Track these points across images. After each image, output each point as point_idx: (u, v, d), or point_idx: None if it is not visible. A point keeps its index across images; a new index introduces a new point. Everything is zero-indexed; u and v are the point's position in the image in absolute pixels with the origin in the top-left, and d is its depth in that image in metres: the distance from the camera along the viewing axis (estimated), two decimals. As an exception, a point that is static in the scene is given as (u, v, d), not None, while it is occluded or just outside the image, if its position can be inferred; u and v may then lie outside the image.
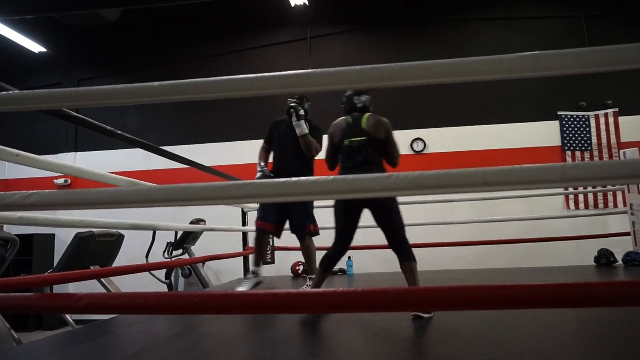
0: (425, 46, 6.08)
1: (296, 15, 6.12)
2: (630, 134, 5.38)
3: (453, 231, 4.97)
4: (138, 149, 2.85)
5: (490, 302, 0.93)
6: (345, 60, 5.96)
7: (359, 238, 4.85)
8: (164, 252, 5.12)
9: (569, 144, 5.56)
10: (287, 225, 3.15)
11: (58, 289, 4.24)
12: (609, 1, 5.84)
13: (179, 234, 5.10)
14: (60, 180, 6.33)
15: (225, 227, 4.39)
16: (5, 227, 2.84)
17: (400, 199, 2.35)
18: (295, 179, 1.04)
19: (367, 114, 2.43)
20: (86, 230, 3.03)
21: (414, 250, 2.28)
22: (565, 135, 5.58)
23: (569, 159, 5.53)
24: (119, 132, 2.22)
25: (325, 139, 3.29)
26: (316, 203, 4.22)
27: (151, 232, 4.82)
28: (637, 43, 0.95)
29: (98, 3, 5.21)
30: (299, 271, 4.49)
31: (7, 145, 1.72)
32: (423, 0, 6.22)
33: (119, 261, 3.48)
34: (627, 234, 4.03)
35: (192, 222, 4.72)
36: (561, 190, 5.23)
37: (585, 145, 5.54)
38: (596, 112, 5.55)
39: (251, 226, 3.84)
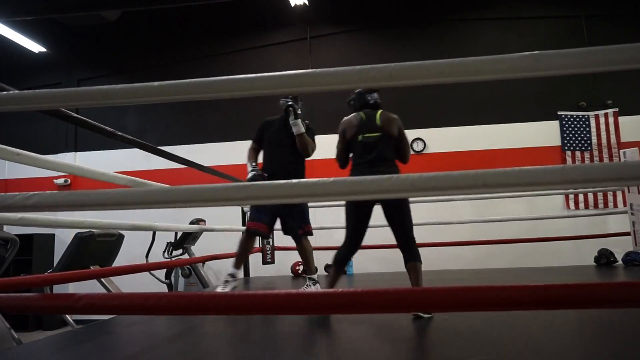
0: (425, 46, 6.08)
1: (296, 15, 6.12)
2: (630, 134, 5.38)
3: (453, 231, 4.97)
4: (138, 149, 2.85)
5: (491, 303, 0.93)
6: (345, 60, 5.96)
7: (359, 238, 4.74)
8: (164, 252, 5.12)
9: (569, 144, 5.56)
10: (277, 225, 3.12)
11: (58, 289, 4.25)
12: (609, 1, 5.84)
13: (179, 234, 5.10)
14: (60, 181, 6.33)
15: (225, 227, 4.39)
16: (5, 227, 2.84)
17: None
18: (295, 180, 1.04)
19: (380, 111, 2.43)
20: (86, 231, 3.03)
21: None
22: (565, 135, 5.58)
23: (569, 159, 5.53)
24: (119, 133, 2.22)
25: (317, 139, 3.30)
26: (310, 203, 4.22)
27: (151, 232, 4.82)
28: (637, 43, 0.95)
29: (98, 4, 5.21)
30: (299, 271, 4.49)
31: (7, 145, 1.72)
32: (423, 0, 6.22)
33: (119, 261, 3.48)
34: (627, 234, 4.03)
35: (192, 222, 4.72)
36: (561, 190, 5.23)
37: (585, 145, 5.54)
38: (596, 112, 5.55)
39: (251, 226, 3.83)
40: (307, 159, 3.11)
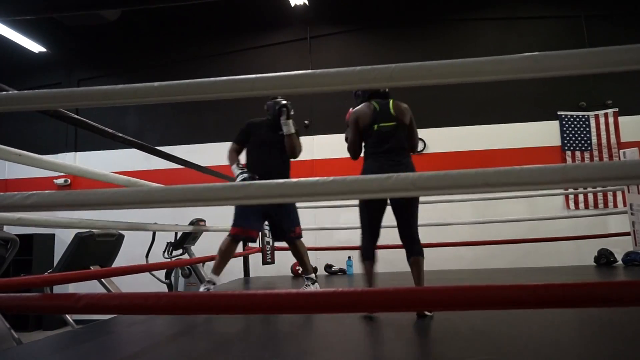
0: (426, 46, 6.08)
1: (296, 15, 6.12)
2: (630, 134, 5.38)
3: (453, 231, 4.97)
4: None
5: (491, 303, 0.93)
6: (345, 60, 5.97)
7: (358, 238, 4.85)
8: (164, 252, 5.12)
9: (569, 144, 5.56)
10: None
11: (58, 289, 4.24)
12: (609, 1, 5.83)
13: (179, 234, 5.10)
14: (60, 181, 6.33)
15: (225, 227, 4.38)
16: (5, 227, 2.84)
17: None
18: (295, 180, 1.04)
19: (392, 100, 2.42)
20: (86, 231, 3.03)
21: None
22: (565, 135, 5.59)
23: (569, 159, 5.53)
24: (119, 134, 2.22)
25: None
26: (310, 203, 4.21)
27: (151, 232, 4.82)
28: (637, 44, 0.95)
29: (98, 3, 5.21)
30: (299, 271, 4.49)
31: (7, 146, 1.72)
32: (423, 0, 6.22)
33: (119, 261, 3.48)
34: (627, 234, 4.03)
35: (192, 222, 4.72)
36: (561, 190, 5.23)
37: (585, 145, 5.54)
38: (596, 112, 5.55)
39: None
40: (293, 160, 3.09)
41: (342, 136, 6.10)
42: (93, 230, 3.03)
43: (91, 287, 3.06)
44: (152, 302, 1.04)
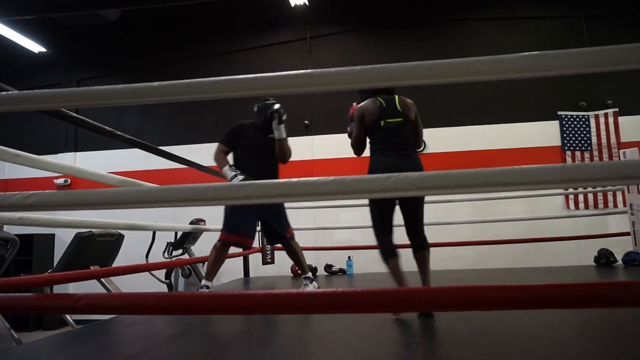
0: (425, 46, 6.08)
1: (296, 15, 6.12)
2: (630, 134, 5.38)
3: (453, 231, 4.97)
4: (138, 149, 2.85)
5: (491, 303, 0.93)
6: (345, 60, 5.97)
7: (358, 238, 4.88)
8: (164, 252, 5.12)
9: (569, 144, 5.56)
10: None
11: (58, 289, 4.25)
12: (609, 1, 5.84)
13: (179, 234, 5.10)
14: (60, 181, 6.33)
15: (225, 227, 4.38)
16: (5, 227, 2.84)
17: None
18: (295, 179, 1.04)
19: (397, 96, 2.42)
20: (86, 230, 3.03)
21: (402, 250, 2.29)
22: (565, 135, 5.59)
23: (569, 159, 5.53)
24: (118, 132, 2.22)
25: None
26: (311, 203, 4.20)
27: (151, 232, 4.82)
28: (637, 43, 0.95)
29: (98, 3, 5.21)
30: (299, 271, 4.49)
31: (7, 145, 1.72)
32: (423, 0, 6.22)
33: (119, 261, 3.48)
34: (627, 234, 4.02)
35: (192, 222, 4.72)
36: (561, 190, 5.23)
37: (585, 145, 5.54)
38: (596, 112, 5.55)
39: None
40: (283, 164, 3.10)
41: (342, 136, 6.07)
42: (93, 230, 3.03)
43: (91, 287, 3.07)
44: (152, 302, 1.04)
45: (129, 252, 3.98)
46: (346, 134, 2.64)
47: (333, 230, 5.57)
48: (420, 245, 2.29)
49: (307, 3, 5.76)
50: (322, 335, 1.97)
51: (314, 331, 2.06)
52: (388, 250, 2.25)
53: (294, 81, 1.17)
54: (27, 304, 1.17)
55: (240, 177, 2.78)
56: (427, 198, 2.41)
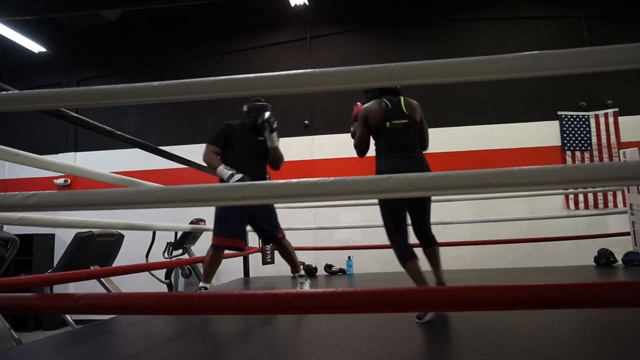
0: (425, 46, 6.08)
1: (296, 15, 6.12)
2: (630, 134, 5.38)
3: (453, 231, 4.96)
4: (138, 149, 2.85)
5: (491, 303, 0.93)
6: (345, 60, 5.96)
7: (358, 238, 4.87)
8: (164, 252, 5.12)
9: (569, 144, 5.56)
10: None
11: (58, 289, 4.25)
12: (609, 1, 5.83)
13: (179, 234, 5.10)
14: (60, 181, 6.33)
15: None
16: (5, 227, 2.84)
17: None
18: (295, 180, 1.04)
19: (402, 97, 2.41)
20: (86, 230, 3.03)
21: (414, 249, 2.29)
22: (565, 135, 5.58)
23: (569, 159, 5.53)
24: (118, 132, 2.22)
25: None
26: (310, 203, 4.19)
27: (151, 232, 4.82)
28: (637, 43, 0.95)
29: (98, 3, 5.21)
30: (293, 271, 4.49)
31: (7, 145, 1.72)
32: (423, 0, 6.22)
33: (119, 261, 3.48)
34: (627, 234, 4.02)
35: (192, 222, 4.72)
36: (561, 190, 5.23)
37: (585, 145, 5.54)
38: (596, 112, 5.55)
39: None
40: (276, 171, 3.12)
41: (342, 136, 6.07)
42: (93, 230, 3.03)
43: (91, 287, 3.07)
44: (152, 302, 1.04)
45: (129, 252, 3.98)
46: (347, 134, 2.63)
47: (333, 230, 5.56)
48: (429, 242, 2.32)
49: (307, 3, 5.76)
50: (322, 335, 1.97)
51: (314, 331, 2.06)
52: (406, 253, 2.19)
53: (294, 81, 1.17)
54: (27, 304, 1.17)
55: (238, 175, 2.78)
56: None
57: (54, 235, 6.34)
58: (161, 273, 5.22)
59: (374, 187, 1.01)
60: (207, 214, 4.92)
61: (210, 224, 4.70)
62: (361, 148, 2.45)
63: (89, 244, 3.11)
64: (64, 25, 5.84)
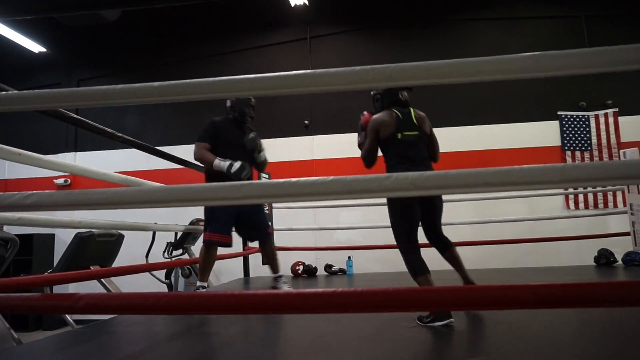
0: (425, 46, 6.08)
1: (296, 15, 6.11)
2: (630, 134, 5.38)
3: (453, 231, 4.95)
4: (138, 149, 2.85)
5: (491, 303, 0.93)
6: (345, 60, 5.97)
7: (358, 238, 4.87)
8: (164, 252, 5.12)
9: (569, 144, 5.56)
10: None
11: (58, 289, 4.24)
12: (609, 1, 5.83)
13: (179, 234, 5.10)
14: (60, 181, 6.33)
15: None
16: (5, 227, 2.84)
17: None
18: (295, 179, 1.04)
19: (412, 109, 2.41)
20: (86, 231, 3.03)
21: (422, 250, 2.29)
22: (565, 135, 5.58)
23: (569, 159, 5.53)
24: (118, 134, 2.22)
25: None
26: (310, 203, 4.19)
27: (151, 232, 4.82)
28: (637, 43, 0.95)
29: (98, 3, 5.21)
30: (299, 271, 4.49)
31: (7, 145, 1.72)
32: (423, 0, 6.22)
33: (119, 261, 3.48)
34: (627, 234, 4.02)
35: (192, 222, 4.71)
36: (561, 190, 5.23)
37: (585, 145, 5.54)
38: (596, 112, 5.55)
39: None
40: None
41: (342, 136, 6.07)
42: (93, 230, 3.03)
43: (91, 287, 3.07)
44: (152, 302, 1.04)
45: (129, 252, 3.98)
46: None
47: (333, 230, 5.56)
48: (445, 244, 2.34)
49: (307, 3, 5.76)
50: (322, 335, 1.97)
51: (314, 331, 2.06)
52: (420, 267, 2.13)
53: (294, 81, 1.17)
54: (27, 304, 1.17)
55: (237, 163, 2.79)
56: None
57: (54, 235, 6.34)
58: (161, 273, 5.22)
59: (374, 186, 1.01)
60: (207, 214, 4.94)
61: (210, 224, 4.69)
62: (370, 159, 2.39)
63: (89, 244, 3.10)
64: (64, 25, 5.83)
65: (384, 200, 2.39)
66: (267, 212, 4.35)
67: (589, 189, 5.07)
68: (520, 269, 4.24)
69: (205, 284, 2.89)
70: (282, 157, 5.81)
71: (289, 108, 6.08)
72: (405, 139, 2.30)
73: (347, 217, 5.68)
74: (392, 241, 2.34)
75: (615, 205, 5.29)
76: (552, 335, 1.75)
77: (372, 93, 2.51)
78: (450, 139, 5.72)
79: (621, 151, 4.30)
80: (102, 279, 3.21)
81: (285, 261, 4.69)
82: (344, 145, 5.67)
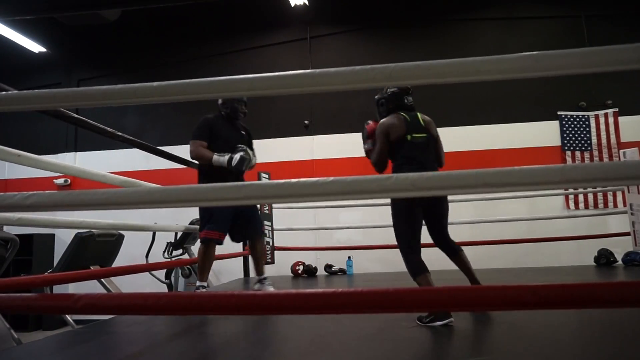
0: (425, 46, 6.08)
1: (296, 15, 6.11)
2: (630, 134, 5.38)
3: (453, 231, 4.94)
4: (138, 149, 2.85)
5: (491, 303, 0.93)
6: (345, 60, 5.97)
7: (358, 238, 4.87)
8: (164, 252, 5.12)
9: (569, 144, 5.56)
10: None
11: (58, 289, 4.25)
12: (609, 1, 5.83)
13: (179, 234, 5.10)
14: (60, 181, 6.33)
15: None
16: (5, 227, 2.84)
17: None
18: (295, 180, 1.04)
19: (418, 113, 2.43)
20: (86, 231, 3.03)
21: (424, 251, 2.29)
22: (565, 135, 5.58)
23: (569, 159, 5.52)
24: (119, 133, 2.23)
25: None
26: (310, 203, 4.19)
27: (151, 232, 4.82)
28: (637, 43, 0.95)
29: (98, 3, 5.21)
30: (299, 271, 4.49)
31: (7, 145, 1.72)
32: (423, 0, 6.22)
33: (119, 261, 3.48)
34: (627, 234, 4.02)
35: (192, 222, 4.71)
36: (561, 190, 5.23)
37: (585, 145, 5.54)
38: (596, 112, 5.55)
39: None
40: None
41: (342, 136, 6.07)
42: (93, 230, 3.03)
43: (91, 287, 3.07)
44: (152, 302, 1.04)
45: (129, 252, 3.98)
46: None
47: (333, 230, 5.56)
48: (454, 249, 2.36)
49: (307, 3, 5.76)
50: (322, 335, 1.97)
51: (314, 331, 2.06)
52: (419, 267, 2.15)
53: (294, 81, 1.17)
54: (27, 304, 1.17)
55: (236, 155, 2.80)
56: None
57: (54, 235, 6.34)
58: (161, 273, 5.22)
59: (374, 187, 1.01)
60: (207, 214, 4.94)
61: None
62: (382, 163, 2.38)
63: (89, 244, 3.10)
64: (64, 25, 5.84)
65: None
66: (267, 212, 4.35)
67: (589, 189, 5.07)
68: (520, 269, 4.24)
69: (205, 284, 2.90)
70: (282, 157, 5.82)
71: (289, 108, 6.08)
72: (414, 141, 2.32)
73: (347, 217, 5.68)
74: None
75: (615, 205, 5.29)
76: (552, 335, 1.75)
77: (376, 98, 2.51)
78: (450, 139, 5.70)
79: (621, 151, 4.30)
80: (102, 279, 3.21)
81: (285, 261, 4.70)
82: (344, 145, 5.67)
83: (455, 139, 5.70)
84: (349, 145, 5.44)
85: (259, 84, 1.14)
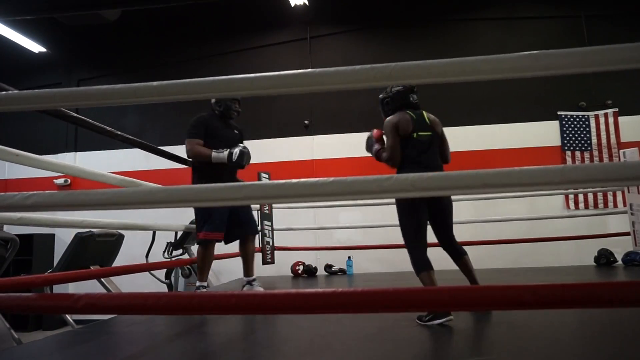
0: (425, 46, 6.08)
1: (296, 15, 6.11)
2: (630, 134, 5.38)
3: (453, 231, 4.97)
4: (138, 149, 2.85)
5: (491, 303, 0.93)
6: (345, 60, 5.96)
7: (358, 238, 4.88)
8: (164, 252, 5.11)
9: (569, 144, 5.56)
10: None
11: (58, 289, 4.24)
12: (609, 1, 5.83)
13: (179, 234, 5.09)
14: (60, 181, 6.33)
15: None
16: (5, 227, 2.84)
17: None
18: (295, 180, 1.04)
19: (424, 111, 2.43)
20: (86, 230, 3.03)
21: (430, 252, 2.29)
22: (565, 135, 5.58)
23: (569, 159, 5.52)
24: (118, 133, 2.23)
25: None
26: (310, 203, 4.18)
27: (151, 232, 4.82)
28: (637, 43, 0.95)
29: (98, 3, 5.21)
30: (299, 271, 4.49)
31: (7, 145, 1.72)
32: (423, 0, 6.22)
33: (119, 261, 3.48)
34: (627, 234, 4.02)
35: (192, 222, 4.71)
36: (561, 190, 5.23)
37: (585, 145, 5.54)
38: (596, 112, 5.55)
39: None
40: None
41: (342, 136, 6.05)
42: (93, 230, 3.03)
43: (91, 287, 3.07)
44: (152, 302, 1.04)
45: (129, 252, 3.98)
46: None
47: (333, 230, 5.56)
48: (459, 252, 2.36)
49: (307, 3, 5.76)
50: (323, 335, 1.97)
51: (314, 331, 2.06)
52: (423, 264, 2.18)
53: (294, 81, 1.17)
54: (27, 304, 1.17)
55: (236, 149, 2.80)
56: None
57: (54, 235, 6.34)
58: (161, 273, 5.21)
59: (374, 187, 1.01)
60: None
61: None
62: (395, 157, 2.36)
63: (89, 244, 3.10)
64: (64, 25, 5.83)
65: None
66: (267, 212, 4.35)
67: (589, 189, 5.07)
68: (520, 269, 4.24)
69: (205, 284, 2.90)
70: (282, 157, 5.82)
71: (289, 108, 6.08)
72: (420, 139, 2.33)
73: (347, 217, 5.69)
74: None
75: (615, 205, 5.29)
76: (552, 335, 1.75)
77: (380, 97, 2.51)
78: (450, 138, 5.68)
79: (621, 151, 4.30)
80: (102, 279, 3.21)
81: (285, 261, 4.70)
82: (344, 145, 5.67)
83: (455, 139, 5.65)
84: (349, 145, 5.44)
85: (259, 83, 1.14)
